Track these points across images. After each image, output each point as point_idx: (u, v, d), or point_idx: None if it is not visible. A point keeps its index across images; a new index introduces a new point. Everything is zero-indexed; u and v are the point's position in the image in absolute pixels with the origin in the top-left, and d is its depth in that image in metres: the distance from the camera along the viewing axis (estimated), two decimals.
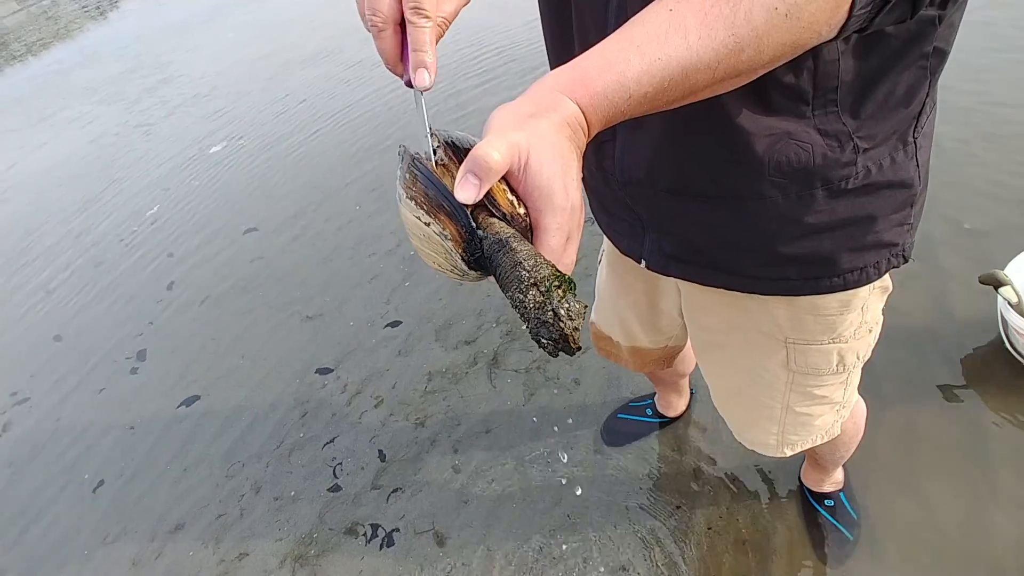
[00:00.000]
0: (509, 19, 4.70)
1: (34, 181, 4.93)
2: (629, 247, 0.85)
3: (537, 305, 0.40)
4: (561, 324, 0.39)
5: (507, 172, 0.42)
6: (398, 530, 1.64)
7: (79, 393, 2.51)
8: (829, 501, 1.36)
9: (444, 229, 0.46)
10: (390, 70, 0.55)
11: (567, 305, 0.40)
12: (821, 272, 0.71)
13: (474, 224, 0.45)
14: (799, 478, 1.44)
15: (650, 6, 0.45)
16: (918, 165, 0.66)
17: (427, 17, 0.50)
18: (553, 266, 0.41)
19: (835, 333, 0.78)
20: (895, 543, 1.31)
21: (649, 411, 1.66)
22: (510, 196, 0.45)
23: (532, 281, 0.41)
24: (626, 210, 0.79)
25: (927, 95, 0.61)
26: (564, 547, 1.49)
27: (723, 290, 0.78)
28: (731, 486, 1.50)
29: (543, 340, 0.41)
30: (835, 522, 1.33)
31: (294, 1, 8.31)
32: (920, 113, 0.63)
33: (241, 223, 3.34)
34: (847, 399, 0.91)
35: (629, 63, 0.43)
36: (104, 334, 2.82)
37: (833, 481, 1.37)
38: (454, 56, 4.43)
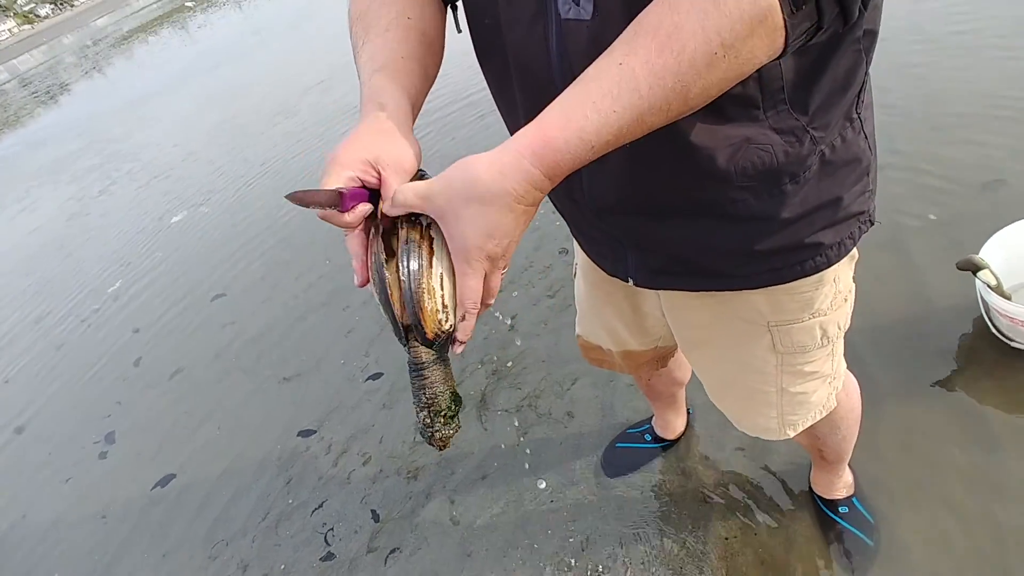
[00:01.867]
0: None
1: None
2: (613, 268, 0.87)
3: (424, 424, 0.60)
4: (433, 442, 0.61)
5: (422, 212, 0.56)
6: None
7: (45, 486, 2.35)
8: (843, 507, 1.31)
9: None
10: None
11: (441, 433, 0.61)
12: (804, 256, 0.73)
13: (402, 340, 0.60)
14: (809, 488, 1.39)
15: (599, 60, 0.50)
16: (866, 137, 0.70)
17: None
18: (451, 402, 0.61)
19: (813, 308, 0.81)
20: (917, 541, 1.26)
21: (648, 436, 1.61)
22: (440, 315, 0.58)
23: (426, 407, 0.60)
24: (604, 234, 0.80)
25: (865, 72, 0.65)
26: None
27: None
28: (741, 503, 1.45)
29: (426, 432, 0.61)
30: (853, 528, 1.29)
31: (246, 69, 8.40)
32: (861, 90, 0.66)
33: (208, 290, 3.25)
34: (836, 370, 0.93)
35: (587, 119, 0.49)
36: (69, 420, 2.67)
37: (844, 484, 1.33)
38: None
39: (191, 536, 1.91)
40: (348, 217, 0.58)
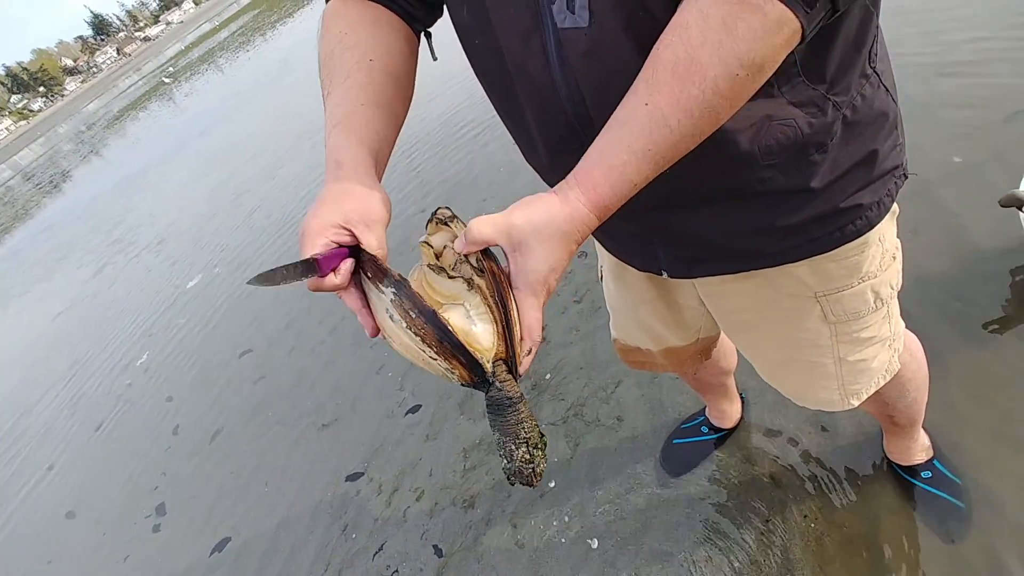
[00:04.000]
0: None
1: (19, 360, 4.83)
2: (644, 264, 0.85)
3: (523, 460, 0.56)
4: (533, 478, 0.56)
5: (506, 248, 0.56)
6: None
7: (104, 568, 2.33)
8: (925, 472, 1.25)
9: (453, 370, 0.56)
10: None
11: (542, 466, 0.57)
12: (843, 221, 0.71)
13: (490, 378, 0.56)
14: (885, 457, 1.33)
15: (626, 101, 0.53)
16: (887, 89, 0.67)
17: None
18: (540, 433, 0.57)
19: (862, 272, 0.77)
20: (1009, 494, 1.20)
21: (704, 428, 1.56)
22: (521, 347, 0.57)
23: (524, 442, 0.56)
24: (630, 232, 0.79)
25: (875, 25, 0.63)
26: None
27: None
28: (815, 483, 1.39)
29: (512, 480, 0.56)
30: (940, 493, 1.22)
31: (235, 128, 8.54)
32: (873, 43, 0.64)
33: (235, 348, 3.26)
34: (895, 331, 0.89)
35: (627, 164, 0.53)
36: (118, 498, 2.67)
37: (922, 448, 1.27)
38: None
39: None
40: (335, 279, 0.56)
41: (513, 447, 0.56)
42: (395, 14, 0.71)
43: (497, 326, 0.57)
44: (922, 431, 1.27)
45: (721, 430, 1.56)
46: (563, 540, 1.56)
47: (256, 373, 2.95)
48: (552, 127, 0.65)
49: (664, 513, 1.49)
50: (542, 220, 0.54)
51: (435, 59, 0.76)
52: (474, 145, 3.89)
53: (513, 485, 0.58)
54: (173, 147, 9.66)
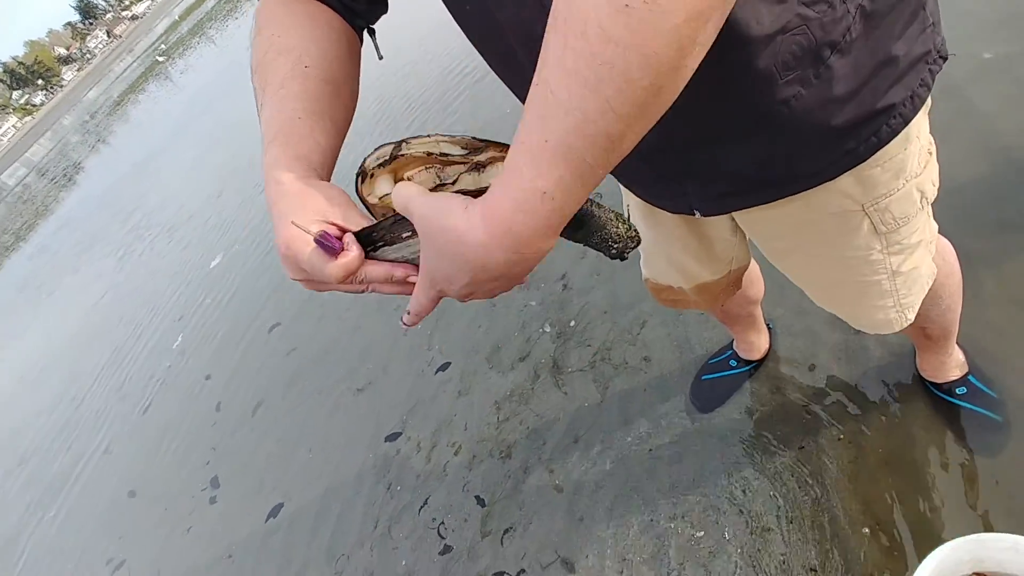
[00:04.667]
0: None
1: (64, 353, 5.02)
2: (675, 205, 0.82)
3: (627, 233, 0.53)
4: (635, 239, 0.53)
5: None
6: (524, 571, 1.56)
7: (169, 540, 2.48)
8: (960, 388, 1.23)
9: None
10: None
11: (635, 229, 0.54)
12: (878, 124, 0.66)
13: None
14: (918, 377, 1.31)
15: (532, 92, 0.40)
16: None
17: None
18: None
19: (907, 171, 0.74)
20: None
21: (733, 362, 1.55)
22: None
23: (613, 216, 0.52)
24: (656, 175, 0.76)
25: None
26: (697, 525, 1.39)
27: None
28: (848, 408, 1.38)
29: (626, 253, 0.54)
30: (976, 408, 1.21)
31: (237, 101, 8.44)
32: None
33: (264, 322, 3.33)
34: (932, 232, 0.86)
35: (537, 178, 0.40)
36: (174, 475, 2.80)
37: (956, 364, 1.25)
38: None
39: (313, 557, 1.98)
40: (352, 252, 0.50)
41: (613, 229, 0.51)
42: (333, 11, 0.66)
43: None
44: (957, 347, 1.24)
45: (750, 362, 1.55)
46: (599, 482, 1.60)
47: (287, 345, 3.02)
48: None
49: (697, 448, 1.51)
50: (436, 227, 0.45)
51: (381, 58, 0.71)
52: (476, 90, 3.78)
53: (626, 259, 0.54)
54: (176, 128, 9.63)
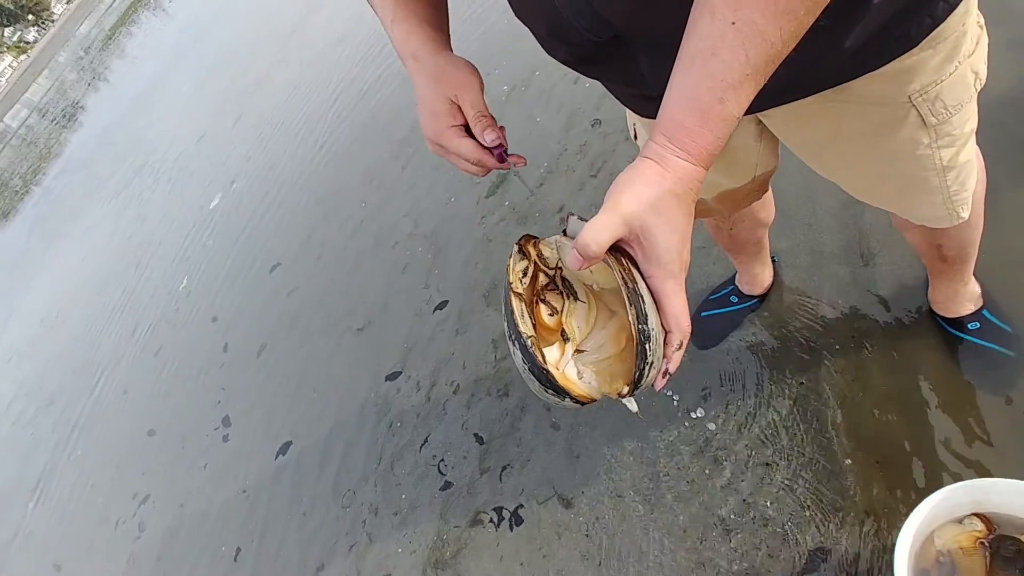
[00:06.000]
0: None
1: (77, 296, 5.10)
2: None
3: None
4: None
5: (622, 241, 0.49)
6: (522, 506, 1.58)
7: (188, 476, 2.58)
8: (973, 323, 1.16)
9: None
10: (479, 168, 0.68)
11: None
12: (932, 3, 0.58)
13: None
14: (929, 311, 1.24)
15: (700, 28, 0.45)
16: None
17: (487, 116, 0.64)
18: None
19: (960, 51, 0.65)
20: None
21: (734, 298, 1.49)
22: None
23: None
24: None
25: None
26: (692, 463, 1.38)
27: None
28: (853, 343, 1.32)
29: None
30: (988, 344, 1.14)
31: (229, 29, 8.07)
32: None
33: (265, 263, 3.30)
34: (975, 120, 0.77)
35: (725, 101, 0.46)
36: (188, 413, 2.88)
37: (970, 297, 1.17)
38: None
39: (321, 492, 2.04)
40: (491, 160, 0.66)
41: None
42: None
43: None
44: (973, 279, 1.16)
45: (752, 297, 1.48)
46: (596, 421, 1.59)
47: (289, 285, 3.00)
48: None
49: (696, 385, 1.48)
50: (654, 194, 0.48)
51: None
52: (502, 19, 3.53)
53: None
54: (171, 59, 9.30)
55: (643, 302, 0.49)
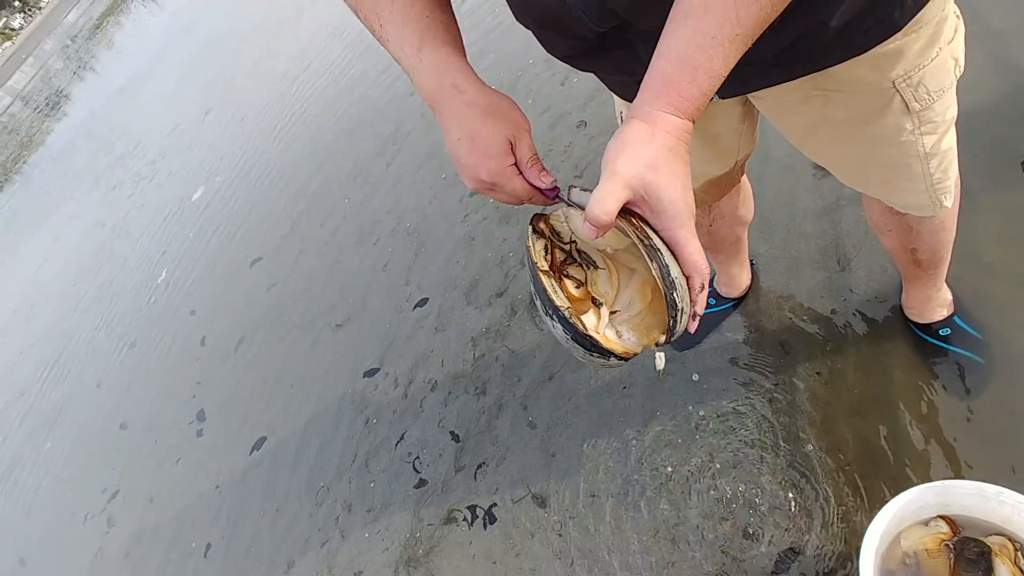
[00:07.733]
0: None
1: (52, 288, 5.00)
2: None
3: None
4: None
5: (629, 203, 0.51)
6: (496, 504, 1.57)
7: (160, 471, 2.53)
8: (944, 330, 1.17)
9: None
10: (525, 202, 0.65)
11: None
12: None
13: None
14: (903, 316, 1.25)
15: None
16: None
17: (538, 158, 0.64)
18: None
19: (941, 37, 0.68)
20: None
21: (712, 300, 1.49)
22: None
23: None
24: None
25: None
26: (667, 463, 1.38)
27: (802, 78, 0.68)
28: (826, 348, 1.33)
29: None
30: (958, 350, 1.16)
31: (218, 20, 7.99)
32: None
33: (245, 257, 3.26)
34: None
35: (713, 58, 0.48)
36: (162, 408, 2.83)
37: (942, 303, 1.18)
38: None
39: (295, 488, 2.01)
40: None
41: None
42: None
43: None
44: (945, 285, 1.18)
45: (729, 300, 1.49)
46: (572, 421, 1.58)
47: (268, 280, 2.97)
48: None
49: (671, 387, 1.48)
50: (648, 153, 0.50)
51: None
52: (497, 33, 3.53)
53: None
54: (159, 50, 9.19)
55: (662, 256, 0.51)
